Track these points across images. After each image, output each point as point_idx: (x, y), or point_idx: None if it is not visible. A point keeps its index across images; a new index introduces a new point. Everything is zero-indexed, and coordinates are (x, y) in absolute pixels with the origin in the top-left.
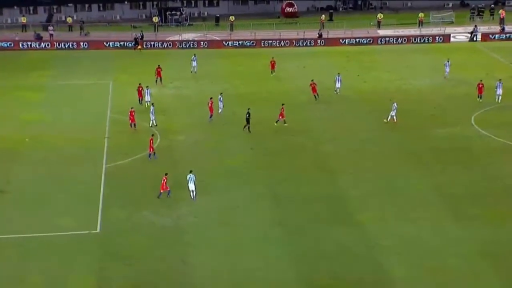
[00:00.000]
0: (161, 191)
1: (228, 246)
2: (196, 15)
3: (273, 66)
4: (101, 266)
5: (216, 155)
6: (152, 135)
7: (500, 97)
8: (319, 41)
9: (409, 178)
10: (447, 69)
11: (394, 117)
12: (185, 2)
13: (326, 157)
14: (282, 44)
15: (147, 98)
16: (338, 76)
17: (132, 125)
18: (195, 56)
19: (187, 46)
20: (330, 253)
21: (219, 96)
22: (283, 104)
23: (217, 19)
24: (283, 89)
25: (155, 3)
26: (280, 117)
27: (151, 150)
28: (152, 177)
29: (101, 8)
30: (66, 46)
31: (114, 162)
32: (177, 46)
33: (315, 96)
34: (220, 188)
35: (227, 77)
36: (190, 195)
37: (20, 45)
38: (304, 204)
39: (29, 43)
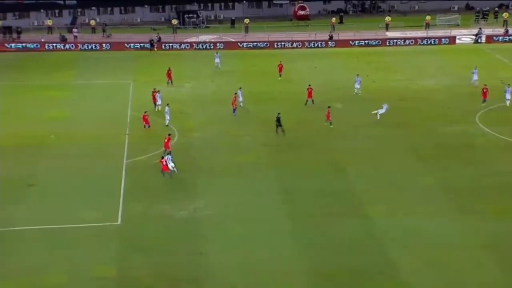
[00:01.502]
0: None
1: (241, 238)
2: (212, 18)
3: (280, 70)
4: (121, 256)
5: (230, 151)
6: (169, 134)
7: (509, 102)
8: (329, 42)
9: (415, 173)
10: (475, 77)
11: (378, 115)
12: (202, 5)
13: (335, 153)
14: (294, 46)
15: (158, 102)
16: (358, 77)
17: (146, 127)
18: (217, 54)
19: (204, 47)
20: (339, 245)
21: (239, 91)
22: (329, 107)
23: (232, 22)
24: (295, 89)
25: (173, 6)
26: (328, 118)
27: (168, 149)
28: (170, 172)
29: (123, 11)
30: (89, 47)
31: (134, 157)
32: (194, 47)
33: (311, 101)
34: (234, 182)
35: (242, 77)
36: (174, 170)
37: (46, 46)
38: (314, 198)
39: (54, 44)
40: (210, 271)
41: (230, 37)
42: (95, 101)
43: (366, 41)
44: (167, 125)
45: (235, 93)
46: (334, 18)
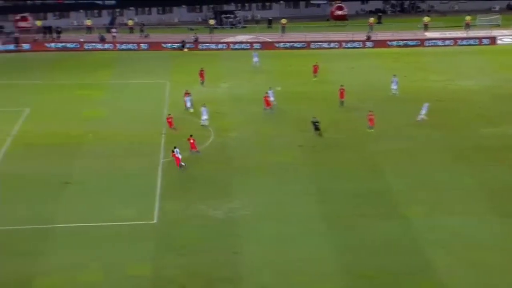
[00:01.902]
0: (192, 149)
1: (276, 238)
2: (249, 18)
3: (315, 70)
4: (156, 255)
5: (266, 151)
6: (191, 135)
7: None
8: (367, 42)
9: (454, 174)
10: None
11: (424, 116)
12: (239, 5)
13: (372, 154)
14: (331, 46)
15: (188, 104)
16: (394, 77)
17: (172, 129)
18: (256, 53)
19: (241, 47)
20: (375, 246)
21: (270, 91)
22: (370, 111)
23: (269, 22)
24: (330, 90)
25: (211, 6)
26: (370, 123)
27: (194, 148)
28: (205, 172)
29: (160, 12)
30: (127, 47)
31: (170, 157)
32: (230, 47)
33: (341, 102)
34: (269, 183)
35: (278, 76)
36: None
37: (85, 46)
38: (350, 198)
39: (93, 44)
40: (244, 271)
41: (267, 37)
42: (132, 101)
43: (405, 42)
44: (203, 125)
45: (266, 92)
46: (372, 18)
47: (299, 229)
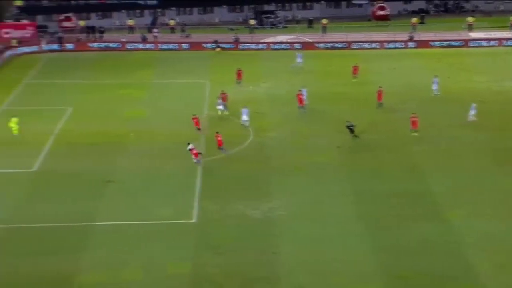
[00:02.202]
0: (220, 146)
1: (313, 239)
2: (290, 18)
3: (355, 71)
4: (195, 254)
5: (304, 151)
6: (217, 132)
7: None
8: (409, 43)
9: (496, 177)
10: None
11: (473, 117)
12: (280, 5)
13: (412, 155)
14: (373, 46)
15: (220, 107)
16: (435, 78)
17: (198, 129)
18: (299, 53)
19: (281, 47)
20: (413, 248)
21: (304, 90)
22: (413, 113)
23: (310, 22)
24: (371, 90)
25: (251, 6)
26: (413, 126)
27: (220, 145)
28: (244, 171)
29: (201, 12)
30: (169, 47)
31: (209, 156)
32: (271, 47)
33: (379, 104)
34: (307, 183)
35: (318, 77)
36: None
37: (127, 46)
38: (387, 200)
39: (135, 44)
40: (281, 271)
41: (307, 37)
42: (173, 101)
43: (448, 42)
44: (243, 125)
45: (299, 90)
46: (414, 18)
47: (337, 230)
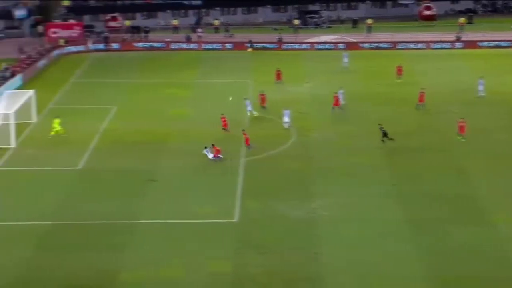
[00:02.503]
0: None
1: (356, 240)
2: (334, 18)
3: (399, 72)
4: (237, 253)
5: (347, 153)
6: (243, 130)
7: None
8: (456, 43)
9: None
10: None
11: None
12: (324, 5)
13: (456, 157)
14: (419, 47)
15: (249, 108)
16: (481, 79)
17: (225, 129)
18: (346, 53)
19: (325, 47)
20: (458, 251)
21: (340, 91)
22: (462, 118)
23: (354, 22)
24: (415, 91)
25: (295, 6)
26: (460, 131)
27: (248, 142)
28: (287, 171)
29: (245, 12)
30: (212, 47)
31: (252, 156)
32: (314, 47)
33: (421, 105)
34: (350, 183)
35: (362, 77)
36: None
37: (171, 45)
38: (431, 202)
39: (179, 44)
40: (324, 272)
41: (352, 37)
42: (215, 100)
43: (496, 43)
44: (286, 127)
45: (335, 92)
46: (462, 19)
47: (380, 232)
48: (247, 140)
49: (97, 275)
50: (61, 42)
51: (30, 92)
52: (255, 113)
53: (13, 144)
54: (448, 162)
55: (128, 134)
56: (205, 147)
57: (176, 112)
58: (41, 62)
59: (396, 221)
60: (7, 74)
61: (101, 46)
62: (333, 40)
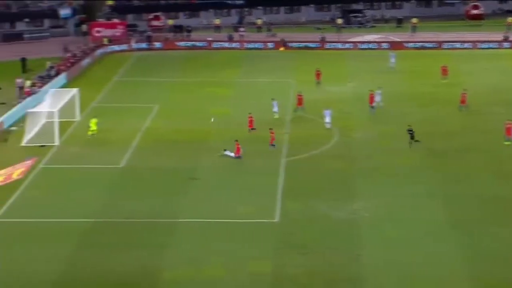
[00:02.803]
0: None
1: (399, 241)
2: (378, 17)
3: (444, 72)
4: (277, 253)
5: (390, 153)
6: (270, 128)
7: None
8: (504, 43)
9: None
10: None
11: None
12: (368, 4)
13: (502, 159)
14: (465, 47)
15: (275, 109)
16: None
17: (250, 130)
18: (392, 53)
19: (368, 47)
20: (502, 253)
21: (378, 91)
22: (509, 120)
23: (399, 21)
24: (460, 92)
25: (339, 5)
26: (507, 133)
27: (272, 141)
28: (328, 171)
29: (288, 11)
30: (254, 46)
31: (293, 156)
32: (358, 47)
33: (464, 107)
34: (392, 185)
35: (406, 77)
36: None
37: (213, 44)
38: (477, 204)
39: (221, 43)
40: (366, 273)
41: (396, 36)
42: (257, 99)
43: None
44: (327, 128)
45: (371, 91)
46: (510, 18)
47: (422, 233)
48: (272, 139)
49: (139, 273)
50: (105, 41)
51: (74, 91)
52: (277, 116)
53: (57, 142)
54: (493, 163)
55: (170, 133)
56: (225, 150)
57: (217, 111)
58: (85, 61)
59: (438, 222)
60: (52, 72)
61: (144, 45)
62: (377, 40)
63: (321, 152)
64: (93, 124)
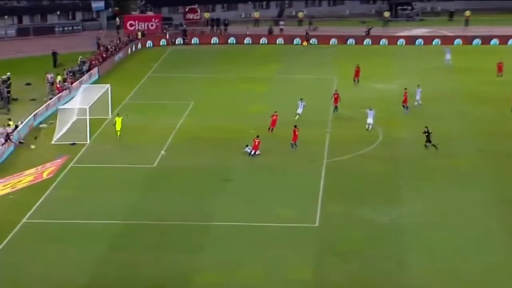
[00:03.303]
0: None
1: (447, 249)
2: (428, 10)
3: (500, 69)
4: (318, 259)
5: (440, 155)
6: (295, 126)
7: None
8: None
9: None
10: None
11: None
12: None
13: None
14: None
15: (299, 110)
16: None
17: (271, 130)
18: (448, 49)
19: (415, 42)
20: None
21: (419, 89)
22: None
23: (451, 14)
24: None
25: None
26: None
27: (294, 140)
28: (372, 174)
29: (331, 4)
30: (295, 41)
31: (334, 157)
32: (406, 42)
33: None
34: (442, 189)
35: (458, 74)
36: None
37: (252, 39)
38: None
39: (260, 37)
40: (412, 281)
41: (447, 30)
42: (296, 96)
43: None
44: (367, 129)
45: (405, 89)
46: None
47: (475, 240)
48: (295, 136)
49: (170, 277)
50: (139, 35)
51: (106, 87)
52: (297, 117)
53: (88, 139)
54: None
55: (204, 131)
56: (246, 145)
57: (254, 108)
58: (118, 56)
59: (494, 229)
60: (84, 67)
61: (179, 39)
62: (426, 34)
63: (365, 153)
64: (118, 124)
